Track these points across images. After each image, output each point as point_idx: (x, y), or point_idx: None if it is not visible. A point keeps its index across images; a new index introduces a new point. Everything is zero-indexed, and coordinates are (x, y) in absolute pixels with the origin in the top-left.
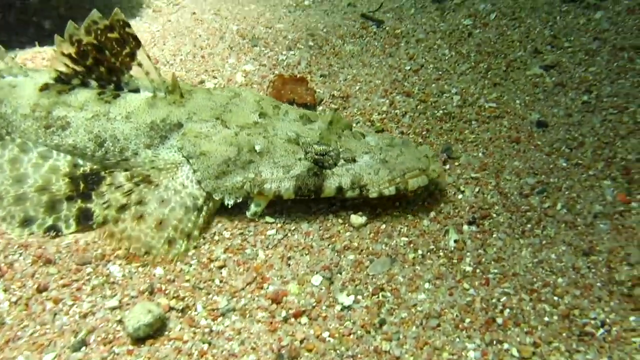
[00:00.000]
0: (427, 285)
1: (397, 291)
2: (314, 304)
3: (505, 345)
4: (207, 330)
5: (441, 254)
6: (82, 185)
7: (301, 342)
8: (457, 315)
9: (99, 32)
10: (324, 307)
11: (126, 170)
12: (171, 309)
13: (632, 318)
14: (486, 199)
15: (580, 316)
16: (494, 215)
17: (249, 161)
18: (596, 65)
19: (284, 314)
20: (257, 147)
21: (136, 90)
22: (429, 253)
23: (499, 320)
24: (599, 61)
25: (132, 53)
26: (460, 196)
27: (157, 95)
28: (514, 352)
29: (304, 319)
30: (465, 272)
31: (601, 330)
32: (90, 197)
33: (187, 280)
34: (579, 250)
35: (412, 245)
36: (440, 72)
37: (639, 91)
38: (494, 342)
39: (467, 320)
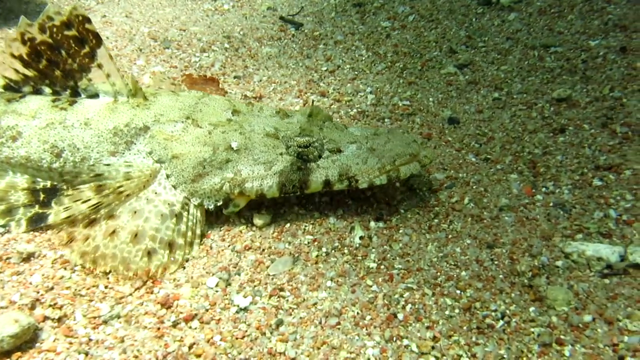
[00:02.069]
0: (329, 283)
1: (298, 290)
2: (208, 307)
3: (405, 341)
4: (84, 339)
5: (346, 251)
6: (42, 197)
7: (190, 347)
8: (358, 313)
9: (54, 29)
10: (218, 310)
11: (91, 179)
12: (46, 318)
13: (531, 309)
14: (394, 196)
15: (482, 309)
16: (402, 211)
17: (226, 160)
18: (508, 63)
19: (173, 318)
20: (234, 145)
21: (95, 96)
22: (333, 251)
23: (400, 316)
24: (511, 60)
25: (91, 53)
26: (369, 193)
27: (119, 100)
28: (414, 347)
29: (194, 323)
30: (370, 268)
31: (501, 322)
32: (49, 205)
33: (68, 288)
34: (483, 243)
35: (316, 243)
36: (356, 72)
37: (547, 88)
38: (394, 339)
39: (368, 317)
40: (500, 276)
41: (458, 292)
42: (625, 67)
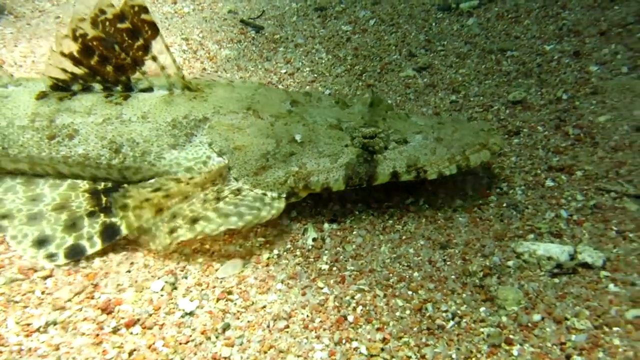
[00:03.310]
0: (279, 285)
1: (247, 293)
2: (151, 312)
3: (355, 344)
4: (15, 348)
5: (298, 253)
6: (104, 199)
7: (130, 354)
8: (307, 316)
9: (107, 23)
10: (162, 315)
11: (154, 174)
12: None
13: (482, 309)
14: (350, 197)
15: (433, 309)
16: (357, 212)
17: (290, 153)
18: (466, 67)
19: (113, 324)
20: (298, 137)
21: (149, 89)
22: (285, 253)
23: (351, 318)
24: (469, 63)
25: (146, 45)
26: (324, 195)
27: (174, 92)
28: (363, 349)
29: (136, 329)
30: (322, 270)
31: (452, 323)
32: (112, 212)
33: (1, 294)
34: (436, 243)
35: (268, 245)
36: (315, 75)
37: (503, 90)
38: (343, 341)
39: (318, 319)
40: (452, 277)
41: (410, 293)
42: (578, 71)
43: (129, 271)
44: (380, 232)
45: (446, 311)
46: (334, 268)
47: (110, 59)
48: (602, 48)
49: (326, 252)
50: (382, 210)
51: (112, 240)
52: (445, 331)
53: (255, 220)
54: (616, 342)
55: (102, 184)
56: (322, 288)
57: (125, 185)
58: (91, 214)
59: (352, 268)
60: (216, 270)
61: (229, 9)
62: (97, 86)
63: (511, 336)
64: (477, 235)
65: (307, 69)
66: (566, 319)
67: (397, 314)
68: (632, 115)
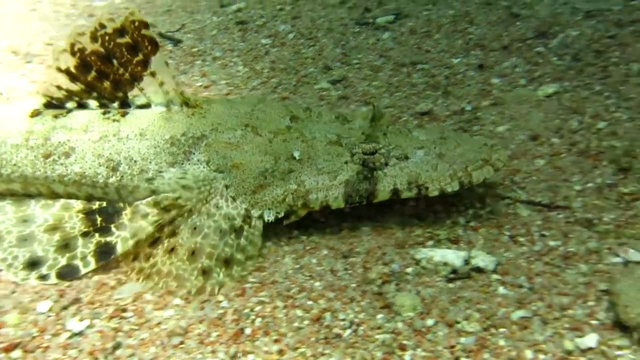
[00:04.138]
0: (177, 301)
1: (142, 310)
2: (36, 334)
3: (251, 356)
4: None
5: None
6: (99, 219)
7: None
8: (204, 330)
9: (106, 37)
10: (47, 337)
11: (151, 193)
12: None
13: (379, 316)
14: None
15: (331, 318)
16: None
17: (289, 170)
18: (379, 79)
19: None
20: (296, 154)
21: (146, 106)
22: None
23: (248, 331)
24: (382, 76)
25: (145, 60)
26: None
27: (172, 109)
28: None
29: (16, 353)
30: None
31: (349, 331)
32: (109, 230)
33: None
34: (339, 253)
35: None
36: (231, 88)
37: (411, 102)
38: (239, 354)
39: (215, 334)
40: (353, 285)
41: (310, 303)
42: (482, 83)
43: (13, 292)
44: (285, 243)
45: (344, 320)
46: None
47: (108, 74)
48: (504, 61)
49: None
50: None
51: (107, 259)
52: (342, 340)
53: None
54: (501, 342)
55: (97, 203)
56: (221, 302)
57: (121, 204)
58: (85, 234)
59: (254, 280)
60: (112, 287)
61: (148, 23)
62: (93, 103)
63: (405, 342)
64: (380, 244)
65: (223, 81)
66: (457, 322)
67: (296, 324)
68: (528, 125)
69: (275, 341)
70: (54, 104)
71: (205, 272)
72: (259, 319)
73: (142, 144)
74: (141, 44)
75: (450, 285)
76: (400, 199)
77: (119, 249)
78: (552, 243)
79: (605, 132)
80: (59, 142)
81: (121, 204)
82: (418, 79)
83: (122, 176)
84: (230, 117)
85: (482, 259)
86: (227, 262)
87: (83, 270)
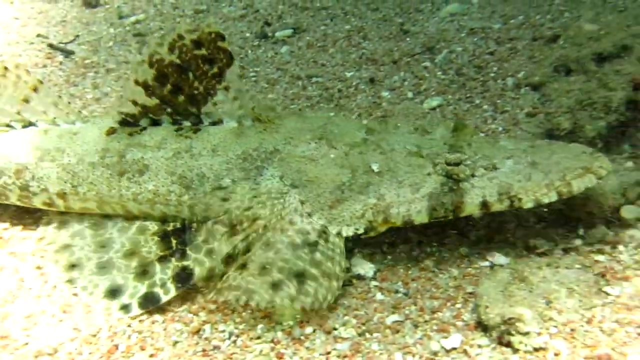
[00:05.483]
0: (50, 320)
1: (8, 330)
2: None
3: None
4: None
5: None
6: (174, 242)
7: None
8: (76, 348)
9: (184, 49)
10: None
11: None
12: None
13: (260, 326)
14: None
15: (211, 330)
16: None
17: (367, 184)
18: (275, 92)
19: None
20: (375, 166)
21: (218, 122)
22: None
23: (123, 347)
24: (278, 89)
25: (220, 74)
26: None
27: (244, 124)
28: None
29: None
30: None
31: (227, 342)
32: (185, 254)
33: None
34: None
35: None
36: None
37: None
38: None
39: (87, 351)
40: None
41: (190, 315)
42: (372, 96)
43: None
44: None
45: (223, 331)
46: None
47: (183, 88)
48: (394, 75)
49: None
50: None
51: (186, 285)
52: (220, 351)
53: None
54: (374, 347)
55: (171, 224)
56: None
57: (195, 224)
58: (162, 259)
59: None
60: None
61: (39, 33)
62: (166, 119)
63: (283, 350)
64: None
65: (115, 94)
66: (335, 329)
67: (173, 338)
68: None
69: (151, 356)
70: (129, 122)
71: (275, 286)
72: (135, 334)
73: (214, 160)
74: (217, 56)
75: None
76: (490, 212)
77: (197, 273)
78: (428, 249)
79: None
80: (134, 160)
81: (194, 224)
82: (312, 91)
83: (194, 194)
84: (303, 130)
85: (362, 266)
86: (299, 276)
87: (164, 298)
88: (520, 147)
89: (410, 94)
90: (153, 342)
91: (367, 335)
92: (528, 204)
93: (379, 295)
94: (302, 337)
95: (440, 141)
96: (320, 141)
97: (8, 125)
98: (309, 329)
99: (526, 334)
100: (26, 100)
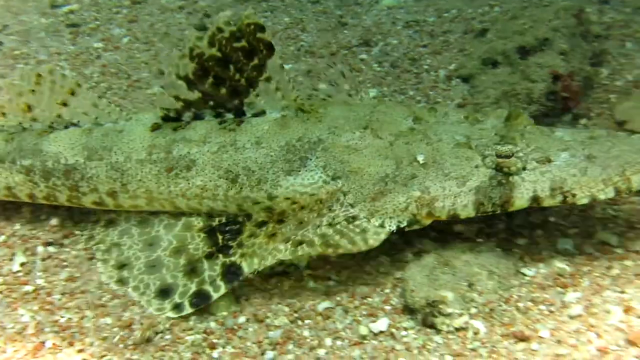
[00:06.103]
0: None
1: None
2: None
3: None
4: None
5: (1, 280)
6: (220, 238)
7: None
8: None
9: (224, 41)
10: None
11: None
12: None
13: (192, 317)
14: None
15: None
16: (77, 232)
17: (412, 175)
18: None
19: None
20: (420, 158)
21: (261, 113)
22: None
23: (49, 344)
24: None
25: (260, 65)
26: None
27: (287, 114)
28: None
29: None
30: (26, 296)
31: (159, 334)
32: (231, 249)
33: None
34: None
35: None
36: None
37: None
38: None
39: (12, 349)
40: None
41: (122, 310)
42: (309, 88)
43: None
44: None
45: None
46: (41, 292)
47: (225, 80)
48: (331, 67)
49: (35, 276)
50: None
51: (235, 281)
52: (152, 344)
53: (349, 249)
54: (305, 333)
55: (217, 219)
56: (22, 315)
57: (240, 218)
58: (209, 256)
59: (63, 291)
60: None
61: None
62: (209, 113)
63: (215, 340)
64: None
65: None
66: (267, 318)
67: (104, 333)
68: None
69: (79, 351)
70: (171, 117)
71: (301, 244)
72: (64, 331)
73: (258, 152)
74: (257, 47)
75: (268, 285)
76: (540, 207)
77: (245, 268)
78: None
79: None
80: (180, 155)
81: (240, 218)
82: None
83: (241, 187)
84: (347, 120)
85: None
86: (324, 237)
87: (214, 296)
88: (578, 139)
89: (347, 86)
90: (81, 337)
91: (299, 322)
92: (582, 200)
93: (311, 284)
94: (234, 327)
95: (491, 131)
96: (365, 130)
97: (50, 127)
98: (242, 319)
99: (448, 315)
100: (64, 104)
